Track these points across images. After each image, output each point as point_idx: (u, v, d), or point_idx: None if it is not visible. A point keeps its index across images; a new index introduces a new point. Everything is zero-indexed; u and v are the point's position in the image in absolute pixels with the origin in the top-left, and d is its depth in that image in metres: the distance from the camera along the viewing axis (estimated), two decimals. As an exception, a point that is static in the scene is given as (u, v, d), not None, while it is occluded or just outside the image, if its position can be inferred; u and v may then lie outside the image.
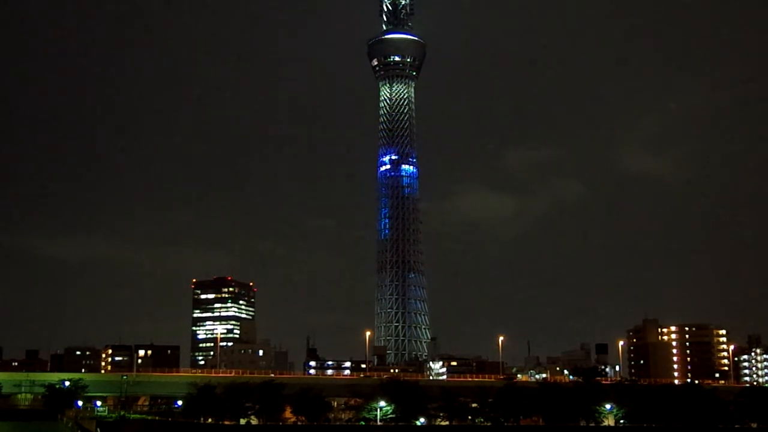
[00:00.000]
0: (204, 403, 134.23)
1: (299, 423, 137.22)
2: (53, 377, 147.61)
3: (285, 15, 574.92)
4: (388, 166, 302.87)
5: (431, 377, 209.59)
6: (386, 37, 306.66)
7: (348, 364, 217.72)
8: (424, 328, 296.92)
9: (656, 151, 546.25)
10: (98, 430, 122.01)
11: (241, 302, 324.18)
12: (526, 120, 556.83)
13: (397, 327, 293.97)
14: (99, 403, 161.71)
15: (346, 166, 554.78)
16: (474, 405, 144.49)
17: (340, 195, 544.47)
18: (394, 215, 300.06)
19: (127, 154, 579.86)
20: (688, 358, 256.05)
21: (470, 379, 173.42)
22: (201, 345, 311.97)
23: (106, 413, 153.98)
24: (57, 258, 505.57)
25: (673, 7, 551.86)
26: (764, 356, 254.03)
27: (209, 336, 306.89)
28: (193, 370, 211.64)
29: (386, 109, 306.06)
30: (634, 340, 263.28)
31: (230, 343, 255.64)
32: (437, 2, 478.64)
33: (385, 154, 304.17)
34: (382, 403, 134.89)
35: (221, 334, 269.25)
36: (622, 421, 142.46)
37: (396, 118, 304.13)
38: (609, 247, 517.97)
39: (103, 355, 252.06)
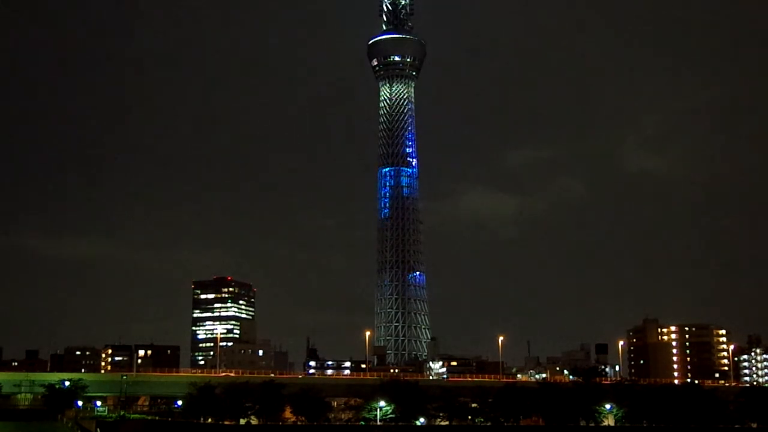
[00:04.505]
0: (204, 403, 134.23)
1: (299, 423, 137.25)
2: (53, 377, 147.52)
3: (285, 15, 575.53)
4: (388, 166, 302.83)
5: (431, 377, 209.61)
6: (386, 37, 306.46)
7: (348, 364, 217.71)
8: (424, 328, 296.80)
9: (657, 151, 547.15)
10: (98, 430, 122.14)
11: (241, 302, 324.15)
12: (526, 119, 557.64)
13: (397, 327, 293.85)
14: (99, 403, 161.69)
15: (346, 165, 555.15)
16: (474, 405, 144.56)
17: (340, 195, 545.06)
18: (394, 215, 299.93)
19: (127, 154, 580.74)
20: (688, 358, 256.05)
21: (470, 379, 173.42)
22: (201, 345, 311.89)
23: (106, 413, 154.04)
24: (57, 258, 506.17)
25: (673, 7, 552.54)
26: (764, 356, 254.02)
27: (209, 336, 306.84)
28: (193, 370, 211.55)
29: (386, 109, 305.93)
30: (634, 340, 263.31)
31: (230, 343, 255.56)
32: (437, 2, 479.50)
33: (385, 154, 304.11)
34: (382, 403, 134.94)
35: (221, 334, 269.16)
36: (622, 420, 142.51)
37: (396, 118, 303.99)
38: (609, 247, 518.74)
39: (103, 355, 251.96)
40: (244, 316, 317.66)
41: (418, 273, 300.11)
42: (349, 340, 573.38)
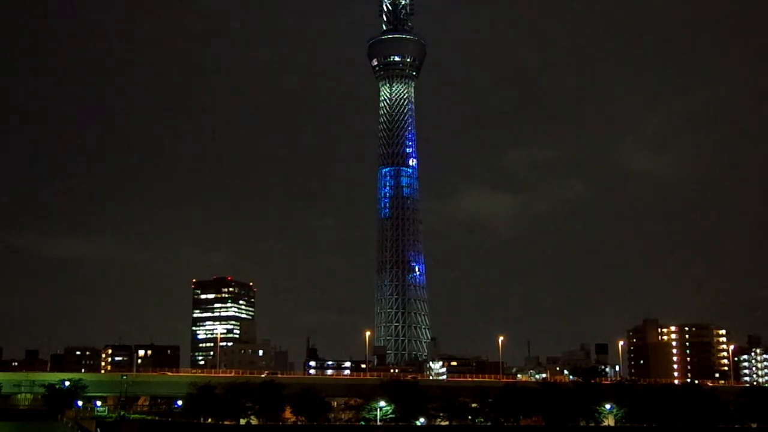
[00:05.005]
0: (204, 403, 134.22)
1: (299, 423, 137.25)
2: (53, 377, 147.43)
3: (285, 15, 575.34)
4: (388, 166, 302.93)
5: (431, 377, 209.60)
6: (386, 37, 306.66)
7: (348, 364, 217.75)
8: (424, 328, 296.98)
9: (657, 151, 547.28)
10: (98, 430, 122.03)
11: (241, 302, 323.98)
12: (526, 119, 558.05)
13: (397, 327, 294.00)
14: (99, 403, 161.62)
15: (346, 165, 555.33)
16: (474, 405, 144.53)
17: (340, 195, 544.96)
18: (394, 215, 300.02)
19: (128, 154, 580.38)
20: (688, 358, 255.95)
21: (470, 379, 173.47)
22: (201, 345, 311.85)
23: (106, 413, 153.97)
24: (57, 258, 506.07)
25: (673, 7, 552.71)
26: (764, 356, 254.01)
27: (209, 336, 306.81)
28: (193, 370, 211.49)
29: (386, 109, 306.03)
30: (634, 340, 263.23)
31: (230, 343, 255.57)
32: (437, 2, 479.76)
33: (385, 154, 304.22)
34: (382, 403, 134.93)
35: (221, 334, 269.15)
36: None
37: (396, 118, 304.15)
38: (609, 247, 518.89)
39: (103, 355, 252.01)
40: (244, 316, 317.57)
41: (417, 273, 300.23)
42: (349, 340, 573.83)
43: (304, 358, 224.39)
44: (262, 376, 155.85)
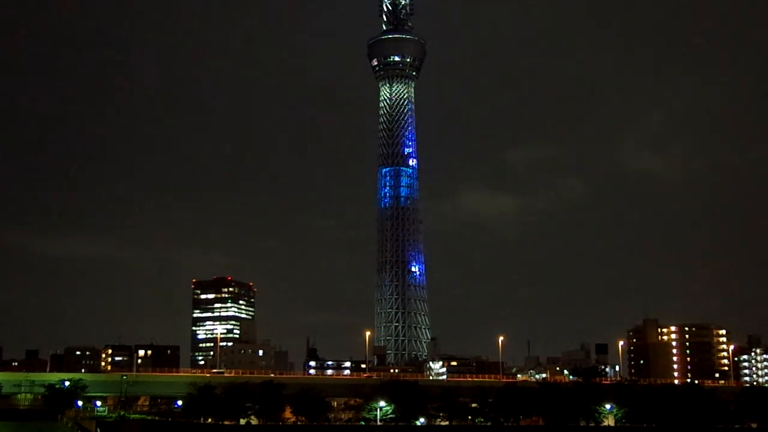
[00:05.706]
0: (204, 403, 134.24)
1: (299, 423, 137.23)
2: (53, 377, 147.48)
3: (284, 16, 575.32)
4: (388, 166, 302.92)
5: (431, 377, 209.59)
6: (386, 37, 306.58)
7: (348, 364, 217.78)
8: (424, 328, 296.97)
9: (657, 150, 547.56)
10: (98, 430, 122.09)
11: (241, 302, 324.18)
12: (527, 119, 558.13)
13: (397, 327, 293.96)
14: (99, 403, 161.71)
15: (346, 165, 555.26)
16: (474, 405, 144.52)
17: (340, 195, 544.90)
18: (393, 215, 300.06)
19: (128, 154, 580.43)
20: (688, 358, 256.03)
21: (470, 379, 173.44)
22: (201, 345, 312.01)
23: (106, 413, 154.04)
24: (57, 258, 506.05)
25: (673, 8, 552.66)
26: (764, 356, 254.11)
27: (209, 336, 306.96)
28: (193, 370, 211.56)
29: (386, 109, 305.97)
30: (634, 340, 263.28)
31: (230, 343, 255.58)
32: (437, 2, 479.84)
33: (385, 154, 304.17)
34: (382, 403, 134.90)
35: (221, 334, 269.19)
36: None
37: (396, 118, 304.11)
38: (609, 247, 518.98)
39: (103, 355, 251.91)
40: (244, 316, 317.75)
41: (417, 273, 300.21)
42: (349, 340, 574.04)
43: (304, 358, 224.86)
44: (208, 375, 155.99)
